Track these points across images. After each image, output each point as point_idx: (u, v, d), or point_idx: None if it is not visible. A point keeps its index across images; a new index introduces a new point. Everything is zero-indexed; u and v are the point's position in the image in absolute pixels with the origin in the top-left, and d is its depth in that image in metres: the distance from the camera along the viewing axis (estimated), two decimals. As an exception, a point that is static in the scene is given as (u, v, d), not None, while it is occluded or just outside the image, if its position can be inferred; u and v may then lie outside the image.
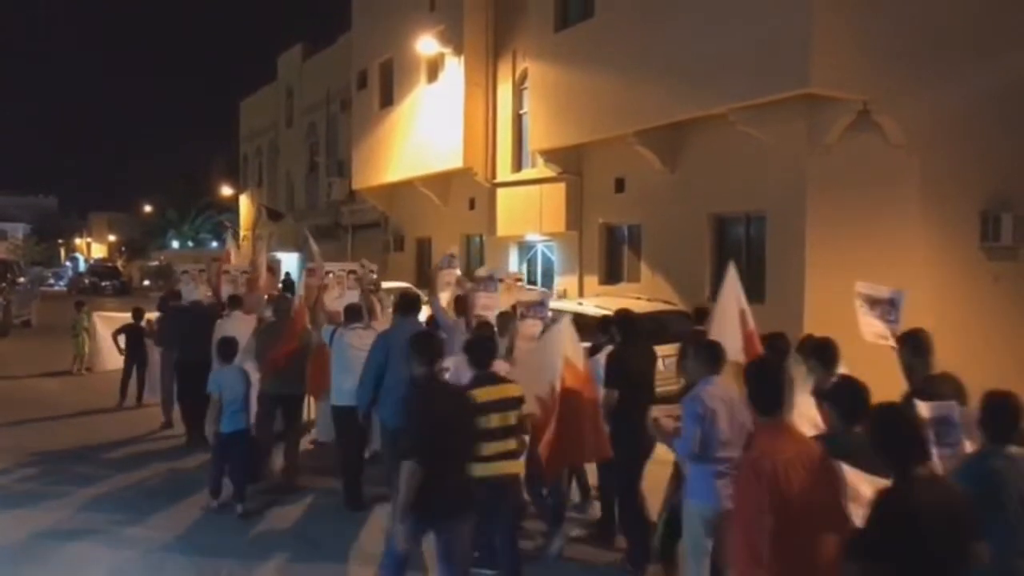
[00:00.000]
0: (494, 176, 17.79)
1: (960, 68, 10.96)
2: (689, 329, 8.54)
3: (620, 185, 14.55)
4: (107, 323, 14.72)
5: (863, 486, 3.44)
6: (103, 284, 44.14)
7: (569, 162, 15.33)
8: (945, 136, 11.07)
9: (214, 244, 39.96)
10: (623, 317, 6.64)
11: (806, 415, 4.70)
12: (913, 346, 5.10)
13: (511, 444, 5.18)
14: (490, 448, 5.08)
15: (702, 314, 8.24)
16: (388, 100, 21.04)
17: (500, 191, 17.18)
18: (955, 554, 3.14)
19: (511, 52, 17.39)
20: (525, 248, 17.82)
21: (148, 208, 61.29)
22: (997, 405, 3.70)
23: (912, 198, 11.15)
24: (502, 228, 17.08)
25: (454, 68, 18.07)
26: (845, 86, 10.33)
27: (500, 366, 5.52)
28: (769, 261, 11.55)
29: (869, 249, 10.86)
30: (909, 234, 11.12)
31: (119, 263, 60.02)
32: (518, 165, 17.49)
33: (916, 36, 10.73)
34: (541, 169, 15.91)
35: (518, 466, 5.35)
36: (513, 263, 17.94)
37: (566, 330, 6.04)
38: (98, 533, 6.66)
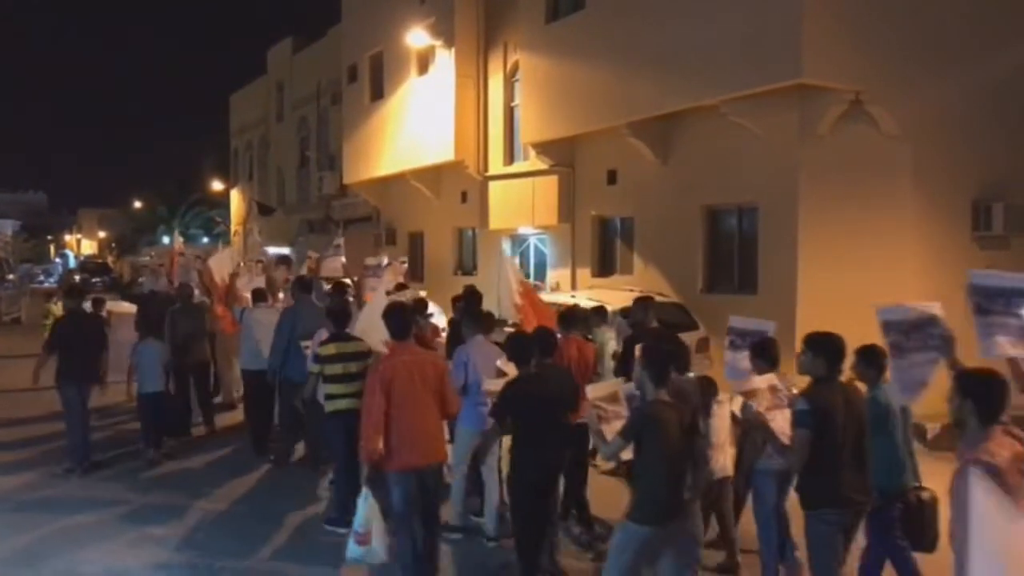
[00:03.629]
0: (486, 169, 17.72)
1: (953, 58, 10.96)
2: (680, 320, 9.13)
3: (612, 177, 14.50)
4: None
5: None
6: (94, 280, 43.93)
7: (561, 154, 15.28)
8: (937, 126, 11.07)
9: (205, 240, 39.78)
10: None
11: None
12: (641, 308, 7.42)
13: (353, 387, 6.57)
14: (335, 389, 6.64)
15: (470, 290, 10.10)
16: (379, 93, 20.92)
17: (492, 184, 17.12)
18: (547, 416, 5.27)
19: (502, 44, 17.30)
20: (518, 241, 17.77)
21: (138, 204, 61.01)
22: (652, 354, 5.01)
23: (904, 188, 11.15)
24: (494, 221, 17.02)
25: (445, 61, 17.98)
26: (837, 76, 10.31)
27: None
28: (761, 252, 11.55)
29: (861, 239, 10.86)
30: (901, 224, 11.13)
31: (109, 259, 59.79)
32: (510, 158, 17.42)
33: (909, 26, 10.72)
34: (533, 162, 15.86)
35: (357, 404, 6.42)
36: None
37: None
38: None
